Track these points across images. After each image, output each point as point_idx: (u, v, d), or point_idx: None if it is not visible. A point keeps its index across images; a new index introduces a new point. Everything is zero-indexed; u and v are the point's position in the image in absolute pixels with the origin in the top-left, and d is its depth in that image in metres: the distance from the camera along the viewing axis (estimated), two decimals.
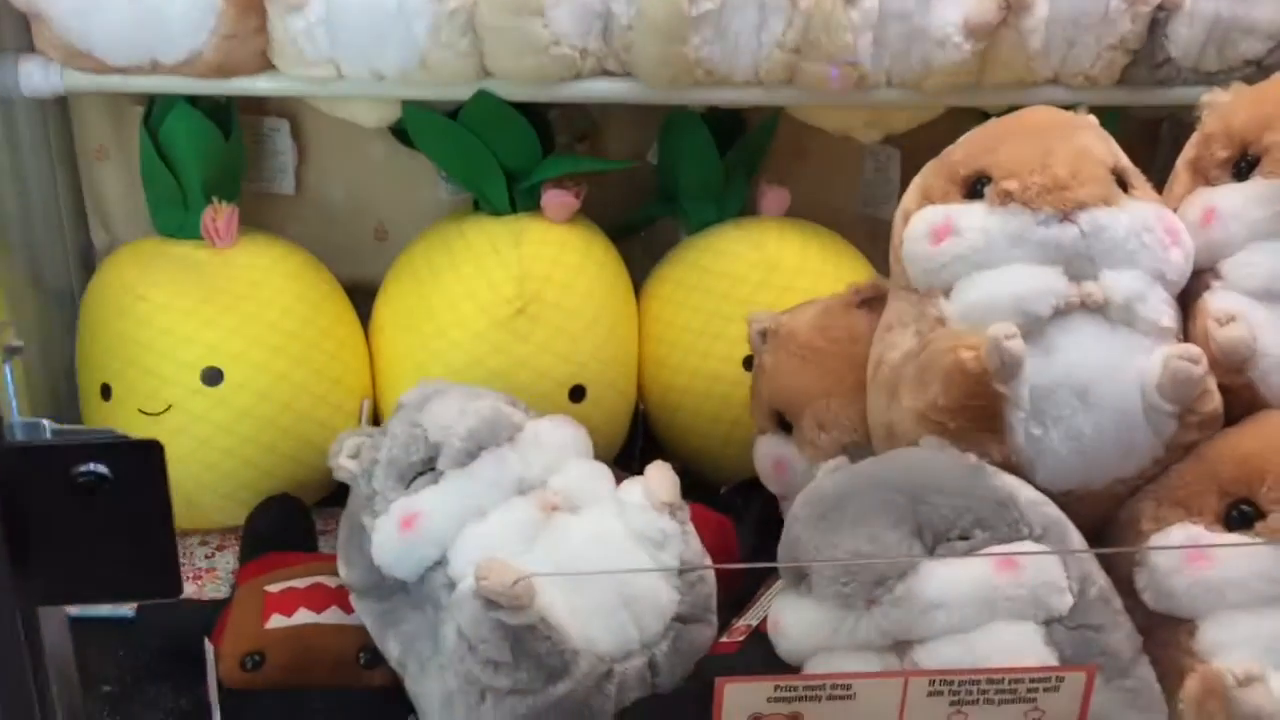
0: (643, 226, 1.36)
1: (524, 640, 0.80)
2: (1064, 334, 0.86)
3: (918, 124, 1.28)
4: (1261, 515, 0.81)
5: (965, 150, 0.95)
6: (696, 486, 1.26)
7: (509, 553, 0.86)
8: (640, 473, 1.29)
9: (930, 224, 0.92)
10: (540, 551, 0.87)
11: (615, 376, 1.21)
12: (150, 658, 1.01)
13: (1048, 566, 0.78)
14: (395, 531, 0.89)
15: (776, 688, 0.66)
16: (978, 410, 0.85)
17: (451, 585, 0.86)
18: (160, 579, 0.56)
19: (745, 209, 1.32)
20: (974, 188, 0.92)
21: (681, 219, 1.32)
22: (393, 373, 1.20)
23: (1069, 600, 0.78)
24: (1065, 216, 0.87)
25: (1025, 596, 0.77)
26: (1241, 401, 0.87)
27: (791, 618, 0.82)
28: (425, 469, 0.91)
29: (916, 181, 0.97)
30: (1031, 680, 0.69)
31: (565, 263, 1.19)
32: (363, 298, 1.29)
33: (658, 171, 1.34)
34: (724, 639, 0.93)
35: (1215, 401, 0.86)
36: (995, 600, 0.77)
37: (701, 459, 1.26)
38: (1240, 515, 0.82)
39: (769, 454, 1.08)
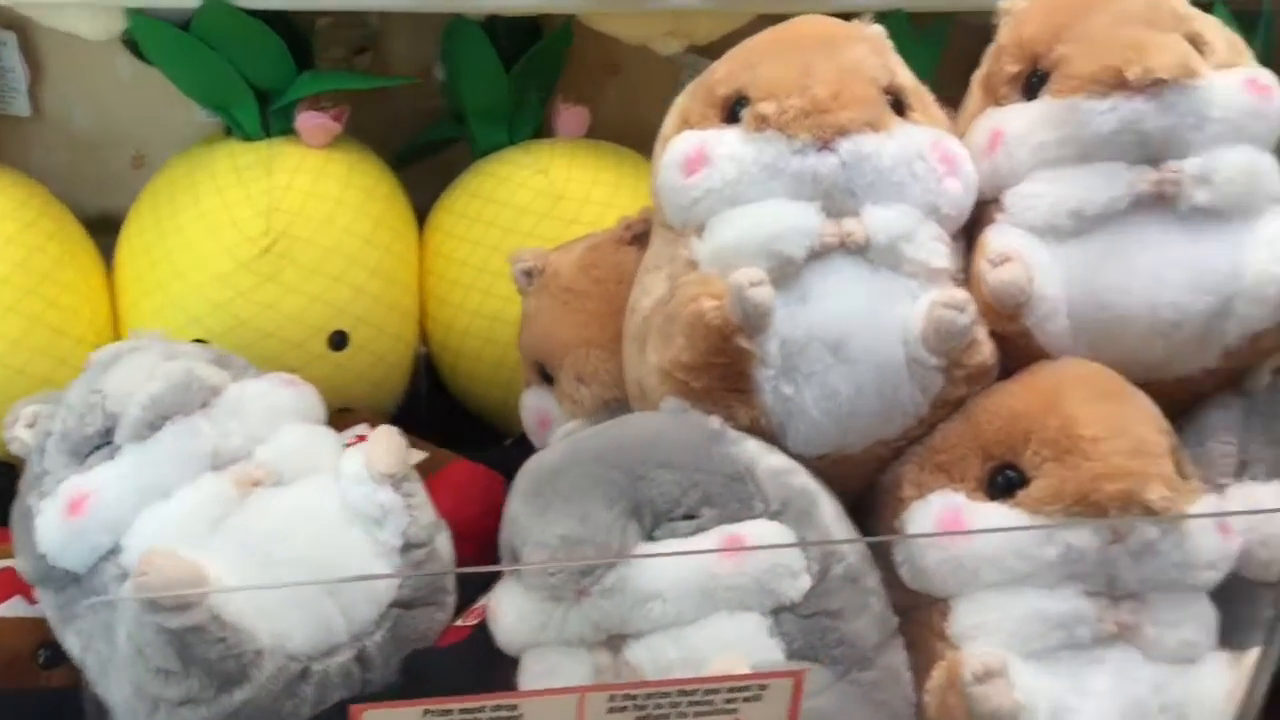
0: (430, 151, 1.23)
1: (191, 645, 0.70)
2: (821, 279, 0.76)
3: (725, 33, 1.15)
4: (1025, 482, 0.72)
5: (726, 67, 0.83)
6: (485, 438, 1.17)
7: (190, 539, 0.75)
8: (425, 424, 1.19)
9: (683, 153, 0.80)
10: (228, 536, 0.76)
11: (387, 319, 1.10)
12: None
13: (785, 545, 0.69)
14: (60, 515, 0.77)
15: (426, 712, 0.57)
16: (723, 368, 0.75)
17: (125, 577, 0.76)
18: None
19: (543, 130, 1.20)
20: (733, 111, 0.81)
21: (471, 142, 1.19)
22: (130, 322, 1.07)
23: (804, 584, 0.70)
24: (824, 144, 0.76)
25: (749, 584, 0.68)
26: (1018, 351, 0.78)
27: (505, 607, 0.73)
28: (103, 442, 0.80)
29: (677, 102, 0.86)
30: (730, 689, 0.60)
31: (322, 193, 1.06)
32: None
33: (444, 89, 1.21)
34: (459, 622, 0.84)
35: (984, 353, 0.77)
36: (716, 589, 0.68)
37: (489, 407, 1.15)
38: (1005, 481, 0.73)
39: (533, 409, 0.98)
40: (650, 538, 0.70)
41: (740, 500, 0.71)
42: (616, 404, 0.90)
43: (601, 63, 1.26)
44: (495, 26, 1.14)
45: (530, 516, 0.71)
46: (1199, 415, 0.80)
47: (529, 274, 0.97)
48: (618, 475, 0.70)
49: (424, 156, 1.24)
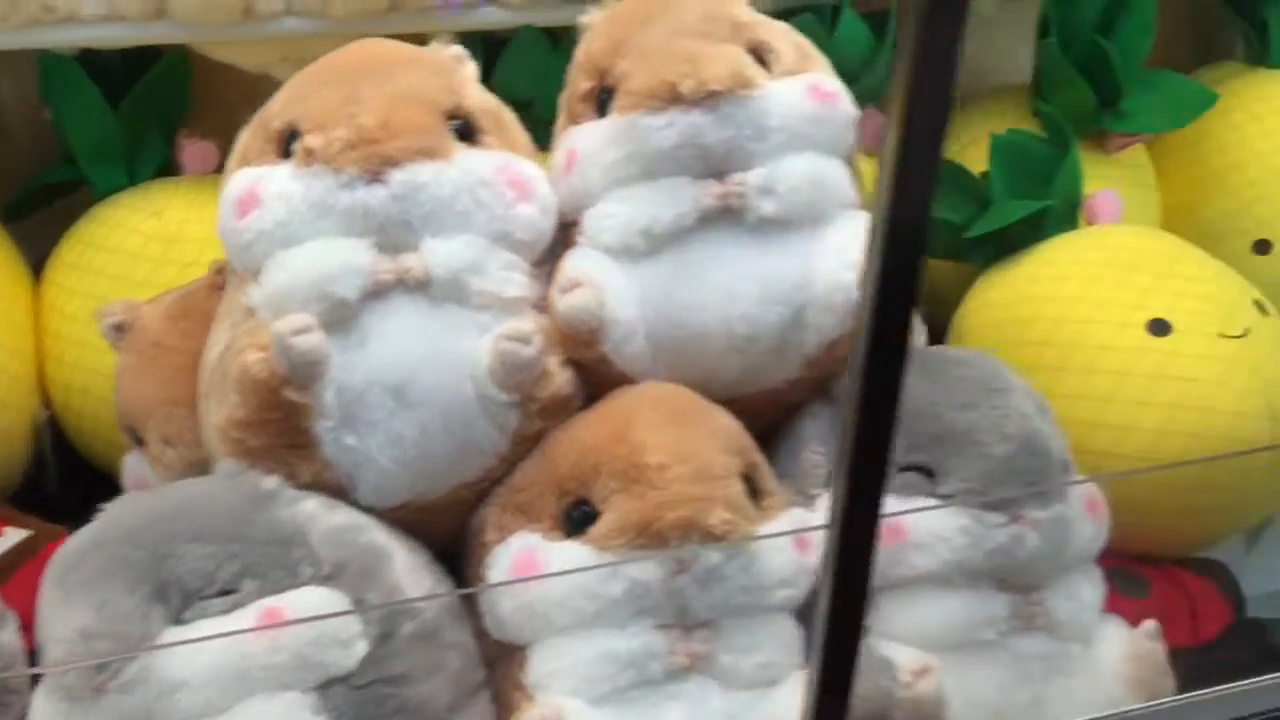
0: (46, 198, 1.14)
1: None
2: (379, 320, 0.72)
3: None
4: (598, 516, 0.69)
5: (283, 99, 0.78)
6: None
7: None
8: (53, 492, 1.10)
9: (236, 193, 0.75)
10: None
11: None
12: None
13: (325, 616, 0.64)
14: None
15: None
16: (278, 423, 0.70)
17: None
18: None
19: (171, 169, 1.12)
20: (288, 145, 0.75)
21: (90, 186, 1.10)
22: None
23: (358, 652, 0.65)
24: (373, 177, 0.72)
25: (288, 661, 0.63)
26: (600, 378, 0.76)
27: (34, 711, 0.65)
28: None
29: (239, 137, 0.80)
30: None
31: None
32: None
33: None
34: None
35: (557, 384, 0.74)
36: (250, 671, 0.62)
37: (118, 470, 1.06)
38: (581, 517, 0.70)
39: (132, 474, 0.90)
40: (180, 620, 0.64)
41: (285, 568, 0.65)
42: (205, 464, 0.83)
43: (235, 95, 1.19)
44: (95, 60, 1.06)
45: (52, 607, 0.65)
46: (793, 426, 0.80)
47: (119, 328, 0.90)
48: (141, 555, 0.64)
49: (40, 205, 1.14)
